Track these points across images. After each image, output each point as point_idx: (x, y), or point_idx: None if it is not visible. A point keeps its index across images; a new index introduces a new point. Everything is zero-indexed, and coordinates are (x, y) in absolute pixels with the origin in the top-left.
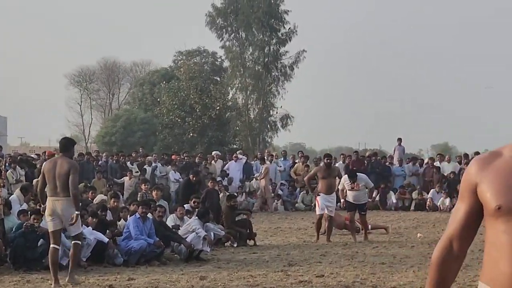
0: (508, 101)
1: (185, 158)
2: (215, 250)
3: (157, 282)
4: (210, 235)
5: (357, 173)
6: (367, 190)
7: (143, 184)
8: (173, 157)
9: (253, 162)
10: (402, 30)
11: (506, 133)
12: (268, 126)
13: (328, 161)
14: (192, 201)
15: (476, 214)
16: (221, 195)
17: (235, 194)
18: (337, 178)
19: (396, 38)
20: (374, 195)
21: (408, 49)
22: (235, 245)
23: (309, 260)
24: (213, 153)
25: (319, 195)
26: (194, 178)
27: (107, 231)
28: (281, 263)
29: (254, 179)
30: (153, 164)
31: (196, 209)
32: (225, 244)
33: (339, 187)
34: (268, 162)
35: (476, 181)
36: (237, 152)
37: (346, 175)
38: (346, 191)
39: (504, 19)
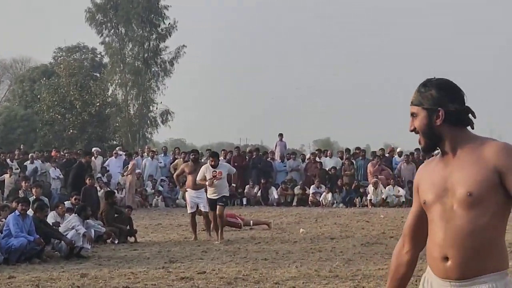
0: (387, 98)
1: (66, 154)
2: (96, 247)
3: (38, 279)
4: (90, 232)
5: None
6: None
7: (23, 182)
8: (53, 154)
9: (133, 158)
10: (283, 25)
11: (386, 128)
12: (148, 122)
13: (194, 156)
14: (73, 198)
15: (423, 212)
16: (101, 191)
17: (115, 190)
18: None
19: (277, 33)
20: (255, 191)
21: (288, 46)
22: (116, 242)
23: (191, 256)
24: (93, 149)
25: (186, 190)
26: (88, 159)
27: None
28: (162, 259)
29: (121, 175)
30: (35, 162)
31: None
32: (106, 241)
33: (198, 176)
34: (135, 158)
35: (417, 183)
36: (117, 149)
37: (207, 163)
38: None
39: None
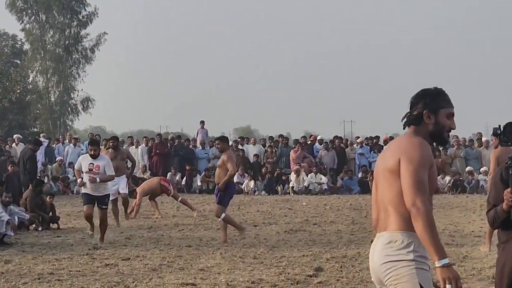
0: (306, 87)
1: None
2: (19, 234)
3: None
4: (14, 219)
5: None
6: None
7: None
8: None
9: (55, 146)
10: (207, 13)
11: (305, 116)
12: (69, 109)
13: (113, 143)
14: None
15: None
16: (22, 178)
17: (42, 179)
18: (127, 160)
19: (201, 21)
20: (178, 178)
21: (211, 35)
22: (40, 228)
23: (114, 243)
24: (14, 136)
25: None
26: (36, 147)
27: None
28: (86, 246)
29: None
30: None
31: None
32: (29, 227)
33: (75, 166)
34: (56, 145)
35: (432, 163)
36: (41, 135)
37: (87, 152)
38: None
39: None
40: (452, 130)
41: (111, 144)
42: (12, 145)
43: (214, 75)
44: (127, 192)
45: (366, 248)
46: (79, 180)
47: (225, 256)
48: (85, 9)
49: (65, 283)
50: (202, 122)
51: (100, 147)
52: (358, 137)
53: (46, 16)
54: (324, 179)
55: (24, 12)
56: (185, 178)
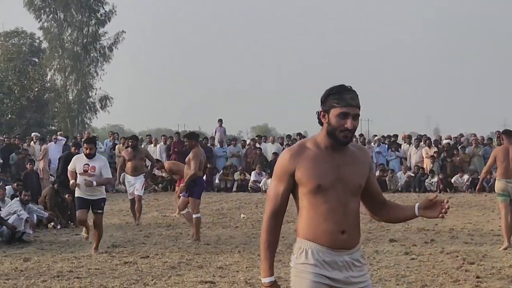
0: (322, 85)
1: (5, 139)
2: (38, 232)
3: None
4: (32, 217)
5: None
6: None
7: None
8: None
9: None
10: (222, 12)
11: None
12: (87, 107)
13: (132, 143)
14: (15, 184)
15: (289, 192)
16: (41, 176)
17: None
18: (146, 159)
19: (216, 20)
20: None
21: (227, 34)
22: (58, 227)
23: (133, 241)
24: (32, 134)
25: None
26: (75, 150)
27: None
28: (104, 244)
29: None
30: None
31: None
32: (47, 225)
33: (69, 167)
34: (47, 144)
35: (293, 168)
36: (58, 134)
37: (82, 152)
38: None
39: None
40: (349, 130)
41: (130, 143)
42: (31, 144)
43: (231, 74)
44: (141, 195)
45: (384, 246)
46: (72, 182)
47: (243, 254)
48: (103, 8)
49: (84, 281)
50: (220, 121)
51: (118, 145)
52: (376, 136)
53: (64, 14)
54: None
55: (42, 11)
56: (205, 176)
